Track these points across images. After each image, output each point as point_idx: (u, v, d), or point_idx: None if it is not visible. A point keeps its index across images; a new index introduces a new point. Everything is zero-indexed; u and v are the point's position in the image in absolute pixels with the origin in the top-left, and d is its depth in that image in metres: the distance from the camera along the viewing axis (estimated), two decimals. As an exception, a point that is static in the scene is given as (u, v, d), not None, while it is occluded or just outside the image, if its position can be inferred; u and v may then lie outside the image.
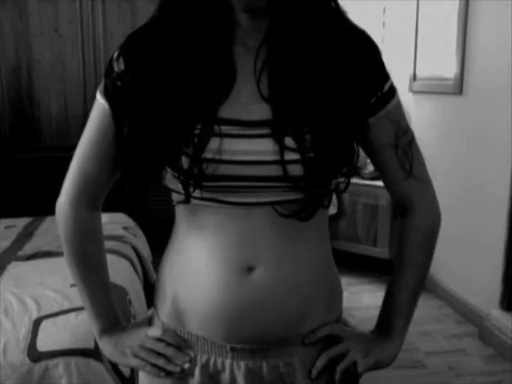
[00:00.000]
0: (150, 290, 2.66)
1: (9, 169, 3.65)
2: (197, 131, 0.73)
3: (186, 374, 0.83)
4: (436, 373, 2.47)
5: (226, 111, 0.74)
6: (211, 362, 0.82)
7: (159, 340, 0.85)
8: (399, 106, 0.83)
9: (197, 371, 0.82)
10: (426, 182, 0.87)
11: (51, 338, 1.66)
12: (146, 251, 2.82)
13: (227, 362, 0.81)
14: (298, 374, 0.82)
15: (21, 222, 2.97)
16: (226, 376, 0.81)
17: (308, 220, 0.77)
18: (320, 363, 0.82)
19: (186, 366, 0.83)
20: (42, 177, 3.68)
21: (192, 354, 0.83)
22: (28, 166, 3.67)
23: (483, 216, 2.84)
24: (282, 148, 0.73)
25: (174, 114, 0.74)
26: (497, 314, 2.68)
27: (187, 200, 0.76)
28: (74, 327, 1.72)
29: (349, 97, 0.75)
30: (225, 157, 0.74)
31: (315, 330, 0.83)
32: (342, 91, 0.75)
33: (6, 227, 2.87)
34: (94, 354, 1.63)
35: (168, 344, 0.84)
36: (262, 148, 0.74)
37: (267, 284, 0.77)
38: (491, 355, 2.61)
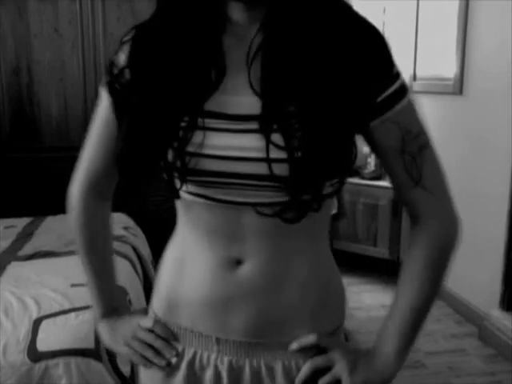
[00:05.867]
0: (150, 290, 2.65)
1: (9, 169, 3.65)
2: (183, 124, 0.73)
3: (172, 368, 0.84)
4: (436, 373, 2.47)
5: (213, 104, 0.73)
6: (197, 358, 0.82)
7: (150, 331, 0.86)
8: (410, 108, 0.77)
9: (183, 365, 0.83)
10: (438, 194, 0.80)
11: (51, 337, 1.66)
12: (145, 251, 2.82)
13: (212, 357, 0.81)
14: (278, 381, 0.80)
15: (21, 222, 2.97)
16: (210, 372, 0.82)
17: (295, 223, 0.73)
18: (302, 374, 0.79)
19: (173, 360, 0.84)
20: (42, 177, 3.67)
21: (180, 349, 0.84)
22: (28, 166, 3.67)
23: (483, 216, 2.84)
24: (268, 144, 0.69)
25: (162, 106, 0.73)
26: (497, 314, 2.68)
27: (174, 194, 0.77)
28: (74, 327, 1.72)
29: (347, 95, 0.70)
30: (207, 151, 0.72)
31: (300, 337, 0.80)
32: (340, 88, 0.70)
33: (6, 227, 2.87)
34: (94, 353, 1.63)
35: (158, 336, 0.85)
36: (246, 144, 0.71)
37: (252, 278, 0.77)
38: (491, 355, 2.61)
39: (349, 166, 0.73)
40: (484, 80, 2.82)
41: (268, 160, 0.69)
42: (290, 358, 0.80)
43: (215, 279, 0.79)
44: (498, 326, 2.65)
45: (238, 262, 0.78)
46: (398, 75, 0.75)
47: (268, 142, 0.69)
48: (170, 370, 0.84)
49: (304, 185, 0.70)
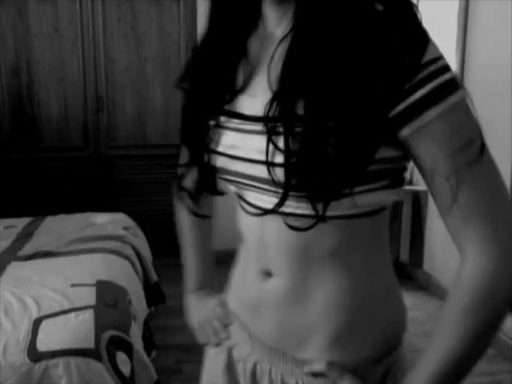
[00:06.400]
0: (150, 290, 2.66)
1: (9, 169, 3.66)
2: (212, 122, 0.77)
3: (221, 349, 0.88)
4: (436, 373, 2.47)
5: (234, 104, 0.74)
6: (234, 349, 0.86)
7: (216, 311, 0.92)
8: (447, 117, 0.62)
9: (226, 351, 0.87)
10: (481, 222, 0.64)
11: (51, 337, 1.66)
12: (145, 251, 2.82)
13: (244, 353, 0.84)
14: None
15: (21, 222, 2.97)
16: (240, 365, 0.84)
17: (301, 231, 0.69)
18: None
19: (223, 342, 0.88)
20: (42, 177, 3.68)
21: (230, 334, 0.88)
22: (28, 165, 3.67)
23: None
24: (268, 146, 0.66)
25: (196, 105, 0.79)
26: (497, 314, 2.68)
27: (208, 189, 0.81)
28: (74, 327, 1.72)
29: (362, 101, 0.61)
30: (219, 149, 0.75)
31: (314, 361, 0.75)
32: (357, 97, 0.62)
33: (6, 227, 2.87)
34: (94, 353, 1.63)
35: (218, 317, 0.91)
36: (251, 144, 0.70)
37: (276, 292, 0.76)
38: (491, 355, 2.61)
39: (350, 181, 0.65)
40: (484, 80, 2.82)
41: (267, 162, 0.66)
42: (304, 378, 0.76)
43: (250, 284, 0.81)
44: (498, 325, 2.65)
45: (269, 274, 0.77)
46: (433, 75, 0.63)
47: (268, 143, 0.66)
48: (220, 349, 0.88)
49: (296, 191, 0.65)
